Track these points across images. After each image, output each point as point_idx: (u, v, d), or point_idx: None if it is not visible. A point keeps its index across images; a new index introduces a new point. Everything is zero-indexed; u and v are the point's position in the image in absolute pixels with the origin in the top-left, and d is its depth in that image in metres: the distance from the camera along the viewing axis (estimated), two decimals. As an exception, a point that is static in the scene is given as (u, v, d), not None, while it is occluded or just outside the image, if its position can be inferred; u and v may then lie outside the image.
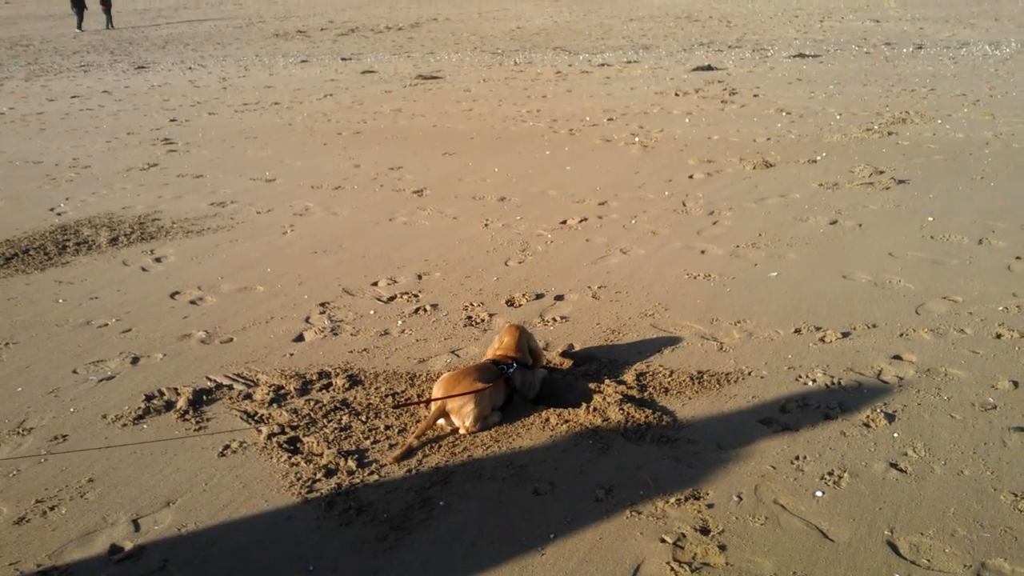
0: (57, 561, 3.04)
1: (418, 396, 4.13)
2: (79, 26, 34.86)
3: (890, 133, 9.88)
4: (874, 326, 4.72)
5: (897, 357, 4.34)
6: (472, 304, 5.35)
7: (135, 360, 4.70)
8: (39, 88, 18.04)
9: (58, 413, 4.12)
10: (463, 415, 3.73)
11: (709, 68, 16.44)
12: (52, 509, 3.35)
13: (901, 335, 4.60)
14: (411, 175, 9.04)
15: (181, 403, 4.13)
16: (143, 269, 6.30)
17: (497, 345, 4.19)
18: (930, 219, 6.59)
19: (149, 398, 4.22)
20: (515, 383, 3.98)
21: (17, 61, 24.25)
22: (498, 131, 11.32)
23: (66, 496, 3.44)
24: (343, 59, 21.88)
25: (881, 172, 8.11)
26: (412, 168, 9.36)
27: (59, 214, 7.96)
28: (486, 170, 9.07)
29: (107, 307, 5.53)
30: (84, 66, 22.36)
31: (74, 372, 4.58)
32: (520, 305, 5.31)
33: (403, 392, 4.18)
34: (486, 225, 7.07)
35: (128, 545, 3.11)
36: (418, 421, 3.89)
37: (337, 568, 2.94)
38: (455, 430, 3.79)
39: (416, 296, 5.53)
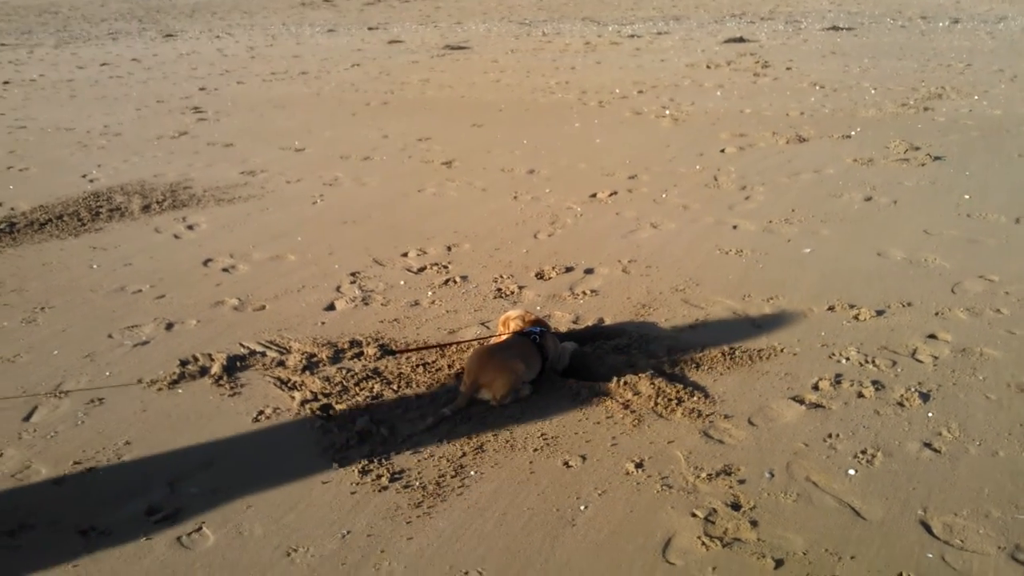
0: (95, 521, 3.09)
1: (418, 349, 4.15)
2: None
3: (926, 108, 9.72)
4: (909, 304, 4.67)
5: (932, 336, 4.30)
6: (501, 276, 5.35)
7: (169, 326, 4.75)
8: (69, 55, 18.14)
9: (94, 377, 4.17)
10: (494, 389, 3.74)
11: (741, 40, 16.21)
12: (90, 471, 3.41)
13: (936, 314, 4.55)
14: (439, 146, 9.02)
15: (215, 369, 4.17)
16: (176, 236, 6.35)
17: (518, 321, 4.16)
18: (966, 197, 6.49)
19: (184, 363, 4.26)
20: (548, 353, 3.98)
21: (46, 28, 24.37)
22: (526, 103, 11.26)
23: (103, 458, 3.49)
24: (370, 28, 21.79)
25: (917, 148, 7.99)
26: (440, 139, 9.34)
27: (91, 181, 8.03)
28: (515, 142, 9.03)
29: (141, 273, 5.59)
30: (112, 34, 22.44)
31: (109, 337, 4.64)
32: (550, 278, 5.31)
33: (433, 362, 4.20)
34: (515, 197, 7.05)
35: (165, 507, 3.16)
36: (448, 390, 3.91)
37: (372, 533, 2.97)
38: (486, 401, 3.80)
39: (446, 267, 5.54)
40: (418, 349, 4.36)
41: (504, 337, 4.07)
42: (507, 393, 3.76)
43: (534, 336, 3.98)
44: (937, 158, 7.63)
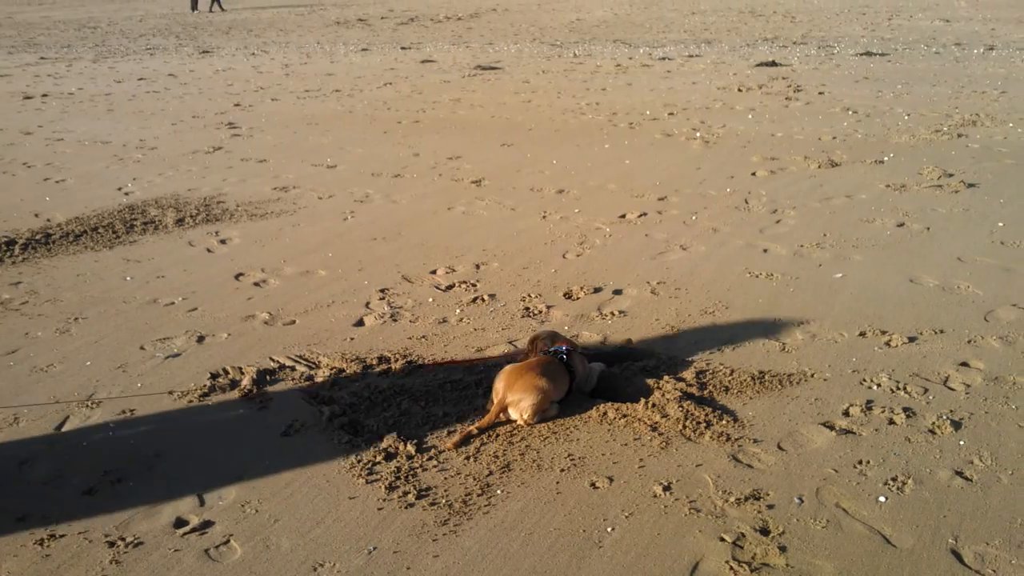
0: (124, 532, 3.12)
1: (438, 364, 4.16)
2: (194, 7, 36.24)
3: (960, 135, 9.63)
4: (941, 332, 4.61)
5: (964, 364, 4.25)
6: (530, 295, 5.36)
7: (201, 339, 4.81)
8: (107, 70, 18.49)
9: (126, 388, 4.23)
10: (522, 408, 3.74)
11: (773, 64, 16.18)
12: (119, 481, 3.45)
13: (969, 342, 4.49)
14: (469, 165, 9.07)
15: (245, 382, 4.21)
16: (208, 250, 6.43)
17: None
18: (1000, 224, 6.42)
19: (214, 376, 4.31)
20: (576, 374, 3.98)
21: (85, 43, 24.88)
22: (557, 123, 11.30)
23: (133, 469, 3.53)
24: (402, 48, 22.02)
25: (950, 175, 7.91)
26: (471, 158, 9.39)
27: (127, 194, 8.17)
28: (544, 162, 9.06)
29: (173, 286, 5.66)
30: (150, 49, 22.86)
31: (141, 348, 4.70)
32: (578, 298, 5.31)
33: (460, 380, 4.21)
34: (544, 217, 7.07)
35: (194, 519, 3.19)
36: (475, 408, 3.91)
37: (398, 550, 2.97)
38: (512, 421, 3.80)
39: (474, 285, 5.56)
40: (444, 363, 4.38)
41: (532, 357, 4.08)
42: (535, 413, 3.76)
43: (561, 356, 3.98)
44: (971, 185, 7.55)
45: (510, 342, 4.69)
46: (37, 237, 6.71)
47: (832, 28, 23.83)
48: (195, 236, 6.79)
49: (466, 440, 3.66)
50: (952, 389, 4.00)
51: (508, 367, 3.94)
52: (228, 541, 3.06)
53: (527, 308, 5.17)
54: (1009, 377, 4.09)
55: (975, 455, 3.46)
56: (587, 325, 4.89)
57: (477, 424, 3.74)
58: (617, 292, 5.39)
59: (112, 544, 3.05)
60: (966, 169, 8.12)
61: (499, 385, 3.83)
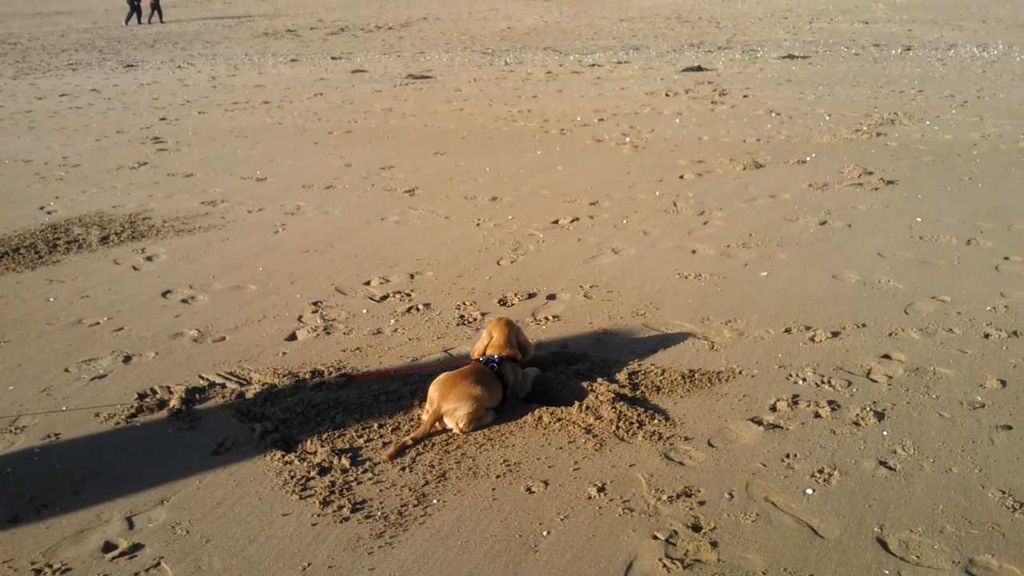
0: (51, 559, 3.04)
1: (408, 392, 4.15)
2: (127, 21, 35.33)
3: (879, 134, 9.95)
4: (863, 325, 4.76)
5: (886, 356, 4.39)
6: (465, 303, 5.37)
7: (127, 359, 4.70)
8: (27, 86, 17.94)
9: (50, 411, 4.11)
10: (457, 417, 3.75)
11: (699, 69, 16.50)
12: (45, 507, 3.35)
13: (890, 334, 4.64)
14: (402, 174, 9.04)
15: (174, 402, 4.13)
16: (134, 268, 6.29)
17: (487, 340, 4.21)
18: (919, 220, 6.65)
19: (142, 396, 4.21)
20: (508, 381, 4.00)
21: (5, 59, 24.10)
22: (489, 131, 11.34)
23: (59, 494, 3.43)
24: (333, 58, 21.85)
25: (870, 173, 8.17)
26: (403, 167, 9.37)
27: (49, 213, 7.93)
28: (477, 170, 9.09)
29: (98, 306, 5.52)
30: (73, 64, 22.26)
31: (66, 371, 4.57)
32: (512, 304, 5.33)
33: (395, 391, 4.20)
34: (478, 224, 7.08)
35: (123, 543, 3.11)
36: (411, 419, 3.90)
37: (333, 565, 2.95)
38: (448, 429, 3.80)
39: (409, 295, 5.55)
40: (378, 374, 4.36)
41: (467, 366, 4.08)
42: (470, 421, 3.76)
43: (493, 364, 4.00)
44: (890, 182, 7.81)
45: (446, 351, 4.69)
46: (-47, 260, 6.47)
47: (755, 33, 24.41)
48: (120, 254, 6.63)
49: (401, 451, 3.64)
50: (875, 381, 4.13)
51: (442, 376, 3.94)
52: (159, 564, 3.00)
53: (462, 316, 5.17)
54: (929, 368, 4.24)
55: (898, 445, 3.58)
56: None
57: (412, 435, 3.73)
58: (551, 297, 5.43)
59: (39, 572, 2.96)
60: (885, 167, 8.39)
61: (433, 394, 3.83)
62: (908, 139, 9.62)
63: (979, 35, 21.17)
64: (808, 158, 8.92)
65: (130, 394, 4.24)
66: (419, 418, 3.89)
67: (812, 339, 4.61)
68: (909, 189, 7.57)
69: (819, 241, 6.24)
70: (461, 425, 3.76)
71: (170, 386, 4.31)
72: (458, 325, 5.05)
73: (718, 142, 9.93)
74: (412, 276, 5.89)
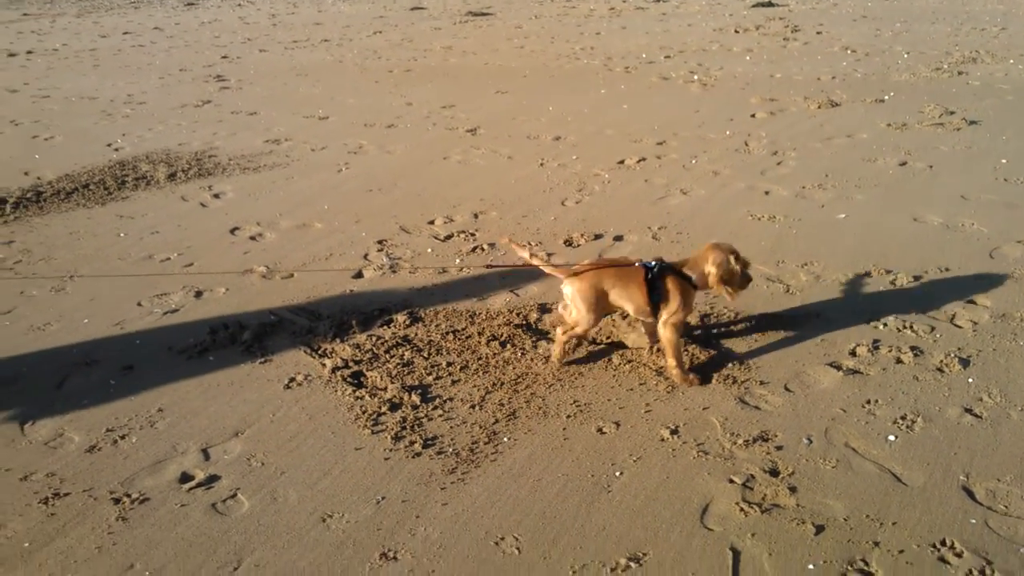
0: (130, 488, 3.10)
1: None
2: None
3: (960, 72, 9.49)
4: (947, 270, 4.57)
5: (971, 302, 4.21)
6: (530, 243, 5.30)
7: (198, 294, 4.75)
8: (91, 24, 18.13)
9: (124, 345, 4.18)
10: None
11: (770, 4, 15.91)
12: (123, 438, 3.41)
13: (975, 279, 4.45)
14: (464, 113, 8.93)
15: (246, 336, 4.16)
16: (202, 204, 6.34)
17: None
18: (1004, 161, 6.34)
19: (214, 331, 4.26)
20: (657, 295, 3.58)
21: (69, -2, 24.38)
22: (551, 69, 11.12)
23: (136, 425, 3.49)
24: (392, -4, 21.61)
25: (952, 113, 7.81)
26: (465, 106, 9.25)
27: (116, 150, 8.04)
28: (540, 109, 8.93)
29: (168, 242, 5.58)
30: (134, 2, 22.41)
31: (139, 305, 4.64)
32: (579, 245, 5.25)
33: (463, 330, 4.17)
34: (542, 164, 6.97)
35: (199, 474, 3.16)
36: (478, 357, 3.87)
37: (407, 499, 2.96)
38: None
39: (473, 235, 5.49)
40: (523, 266, 3.99)
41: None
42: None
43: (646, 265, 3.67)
44: (973, 122, 7.45)
45: (511, 290, 4.64)
46: (28, 195, 6.61)
47: (828, -34, 23.41)
48: (188, 191, 6.69)
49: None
50: (959, 327, 3.97)
51: (602, 271, 3.65)
52: (235, 495, 3.04)
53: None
54: (1016, 313, 4.06)
55: (984, 392, 3.44)
56: (589, 271, 4.83)
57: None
58: (618, 238, 5.32)
59: (117, 501, 3.02)
60: (967, 107, 8.01)
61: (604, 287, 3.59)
62: (991, 78, 9.16)
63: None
64: (886, 97, 8.56)
65: (202, 329, 4.29)
66: (491, 356, 3.85)
67: (893, 283, 4.44)
68: (993, 129, 7.22)
69: (899, 183, 6.00)
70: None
71: (241, 321, 4.35)
72: (523, 266, 4.98)
73: (791, 80, 9.58)
74: (476, 216, 5.83)
